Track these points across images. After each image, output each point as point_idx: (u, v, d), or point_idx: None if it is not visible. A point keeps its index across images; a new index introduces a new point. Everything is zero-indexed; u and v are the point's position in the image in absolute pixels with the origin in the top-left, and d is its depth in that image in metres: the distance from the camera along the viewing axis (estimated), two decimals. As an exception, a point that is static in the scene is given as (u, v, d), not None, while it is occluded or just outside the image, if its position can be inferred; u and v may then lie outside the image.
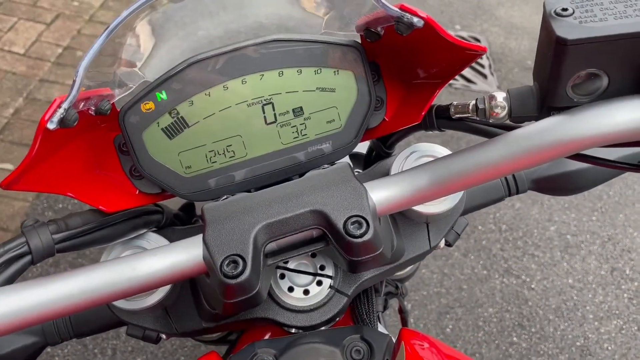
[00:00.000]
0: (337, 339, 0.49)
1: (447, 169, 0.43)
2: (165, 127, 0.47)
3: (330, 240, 0.43)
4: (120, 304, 0.50)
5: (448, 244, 0.61)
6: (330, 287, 0.53)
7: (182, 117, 0.47)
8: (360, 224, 0.42)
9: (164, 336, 0.57)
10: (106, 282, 0.39)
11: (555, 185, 0.63)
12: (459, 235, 0.61)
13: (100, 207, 0.47)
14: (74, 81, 0.40)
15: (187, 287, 0.52)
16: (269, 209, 0.43)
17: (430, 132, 0.54)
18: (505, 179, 0.64)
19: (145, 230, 0.51)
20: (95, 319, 0.58)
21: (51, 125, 0.40)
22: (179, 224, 0.57)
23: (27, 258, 0.43)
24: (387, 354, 0.49)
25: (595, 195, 2.07)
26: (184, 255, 0.42)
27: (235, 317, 0.51)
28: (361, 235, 0.41)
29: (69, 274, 0.39)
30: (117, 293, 0.40)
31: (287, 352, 0.48)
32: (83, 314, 0.58)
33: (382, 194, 0.44)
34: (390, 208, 0.44)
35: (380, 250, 0.43)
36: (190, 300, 0.52)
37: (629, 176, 2.10)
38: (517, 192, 0.64)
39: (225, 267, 0.40)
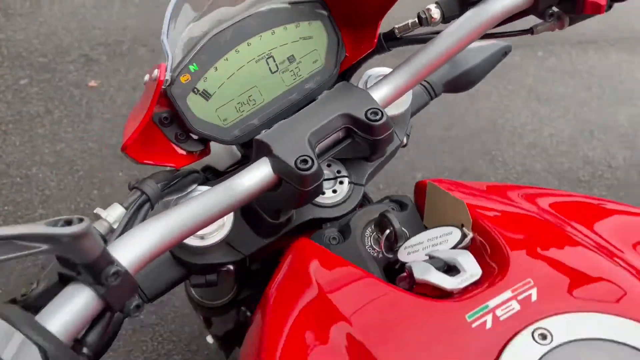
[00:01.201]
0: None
1: (415, 65, 0.60)
2: (202, 92, 0.59)
3: (356, 133, 0.57)
4: (195, 242, 0.60)
5: (404, 145, 0.77)
6: (350, 182, 0.69)
7: (212, 80, 0.59)
8: (376, 113, 0.57)
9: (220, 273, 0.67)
10: (218, 200, 0.50)
11: (458, 83, 0.83)
12: (409, 135, 0.79)
13: (172, 165, 0.60)
14: (165, 49, 0.53)
15: (237, 218, 0.64)
16: (309, 121, 0.56)
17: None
18: (424, 87, 0.82)
19: (195, 185, 0.63)
20: (160, 278, 0.65)
21: (164, 85, 0.54)
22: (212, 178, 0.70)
23: (147, 204, 0.56)
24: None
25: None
26: (257, 175, 0.53)
27: (289, 225, 0.65)
28: (380, 119, 0.56)
29: (186, 204, 0.49)
30: (225, 209, 0.51)
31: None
32: (148, 277, 0.64)
33: (377, 94, 0.59)
34: (386, 103, 0.60)
35: (392, 129, 0.58)
36: (245, 228, 0.64)
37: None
38: (436, 96, 0.83)
39: (299, 164, 0.52)
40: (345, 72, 0.72)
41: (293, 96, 0.64)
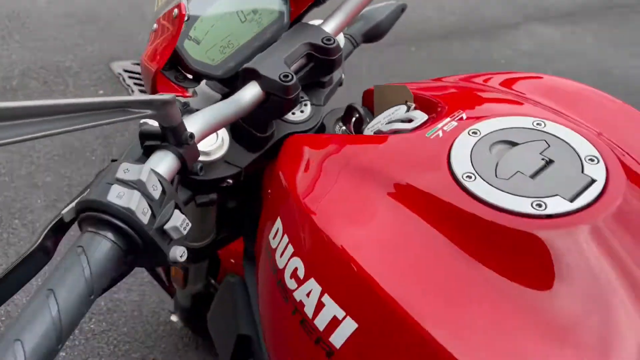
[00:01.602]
0: None
1: (342, 13, 0.78)
2: (194, 38, 0.71)
3: (317, 56, 0.73)
4: (203, 158, 0.68)
5: (341, 84, 0.91)
6: (312, 104, 0.82)
7: (200, 30, 0.72)
8: (329, 39, 0.73)
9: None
10: (227, 110, 0.65)
11: (371, 34, 0.98)
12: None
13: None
14: None
15: (230, 139, 0.75)
16: (282, 50, 0.71)
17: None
18: (348, 39, 0.96)
19: None
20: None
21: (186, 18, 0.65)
22: None
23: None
24: None
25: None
26: (250, 93, 0.67)
27: (272, 139, 0.76)
28: (333, 43, 0.72)
29: (216, 106, 0.63)
30: (230, 118, 0.64)
31: None
32: None
33: (327, 26, 0.76)
34: (334, 33, 0.76)
35: (342, 51, 0.74)
36: (237, 147, 0.75)
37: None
38: (357, 45, 0.98)
39: (282, 78, 0.67)
40: (295, 22, 0.89)
41: (260, 39, 0.78)
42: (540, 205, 0.48)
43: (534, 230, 0.47)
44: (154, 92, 0.68)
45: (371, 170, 0.57)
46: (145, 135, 0.54)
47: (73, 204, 0.53)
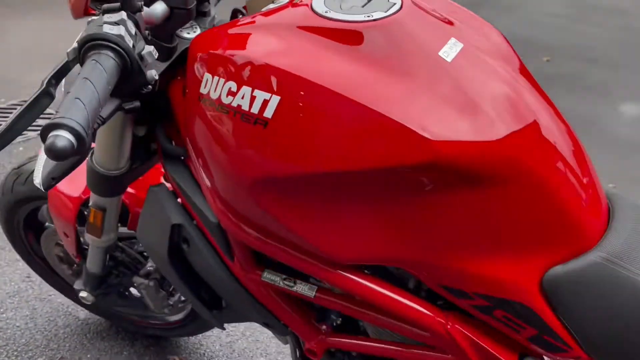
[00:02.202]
0: None
1: None
2: None
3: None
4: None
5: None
6: (200, 27, 0.98)
7: None
8: None
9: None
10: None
11: None
12: None
13: None
14: None
15: None
16: None
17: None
18: None
19: None
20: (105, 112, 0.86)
21: None
22: None
23: None
24: None
25: None
26: (157, 10, 0.85)
27: (177, 52, 0.91)
28: None
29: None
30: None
31: None
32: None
33: None
34: None
35: None
36: None
37: None
38: None
39: None
40: None
41: None
42: (369, 16, 0.78)
43: (372, 27, 0.77)
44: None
45: (269, 25, 0.82)
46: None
47: (75, 44, 0.70)
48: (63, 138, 0.57)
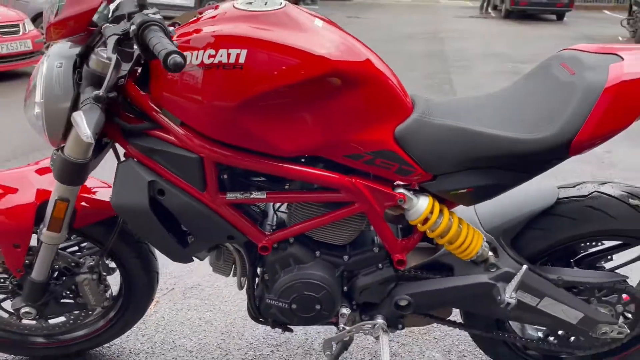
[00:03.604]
0: None
1: None
2: None
3: None
4: None
5: None
6: None
7: None
8: None
9: None
10: None
11: None
12: None
13: None
14: None
15: None
16: None
17: None
18: None
19: None
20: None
21: None
22: None
23: None
24: None
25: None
26: None
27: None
28: None
29: None
30: None
31: None
32: None
33: None
34: None
35: None
36: None
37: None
38: None
39: None
40: None
41: None
42: (272, 7, 1.34)
43: (276, 12, 1.32)
44: None
45: (215, 17, 1.31)
46: None
47: (134, 26, 1.12)
48: (179, 57, 1.02)
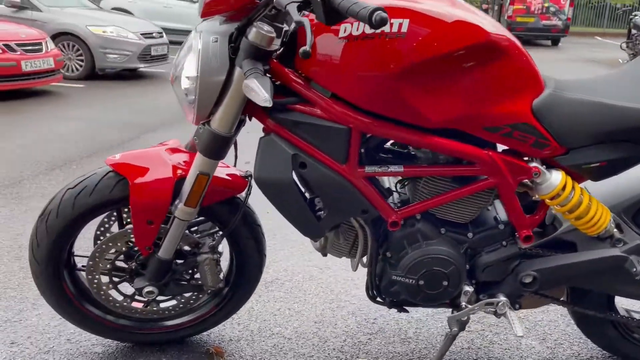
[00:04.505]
0: None
1: None
2: None
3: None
4: None
5: None
6: None
7: None
8: None
9: None
10: None
11: None
12: None
13: None
14: None
15: None
16: None
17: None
18: None
19: None
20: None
21: None
22: None
23: None
24: None
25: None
26: None
27: None
28: None
29: None
30: None
31: None
32: None
33: None
34: None
35: None
36: None
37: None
38: None
39: None
40: None
41: None
42: None
43: None
44: None
45: None
46: None
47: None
48: (383, 12, 1.07)
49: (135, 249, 1.64)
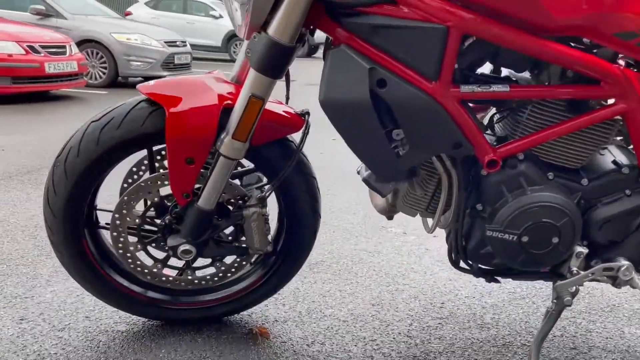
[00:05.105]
0: None
1: None
2: None
3: None
4: None
5: None
6: None
7: None
8: None
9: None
10: None
11: None
12: None
13: None
14: None
15: None
16: None
17: None
18: None
19: None
20: None
21: None
22: None
23: None
24: None
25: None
26: None
27: None
28: None
29: None
30: None
31: None
32: None
33: None
34: None
35: None
36: None
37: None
38: None
39: None
40: None
41: None
42: None
43: None
44: None
45: None
46: None
47: None
48: None
49: (171, 198, 1.36)
